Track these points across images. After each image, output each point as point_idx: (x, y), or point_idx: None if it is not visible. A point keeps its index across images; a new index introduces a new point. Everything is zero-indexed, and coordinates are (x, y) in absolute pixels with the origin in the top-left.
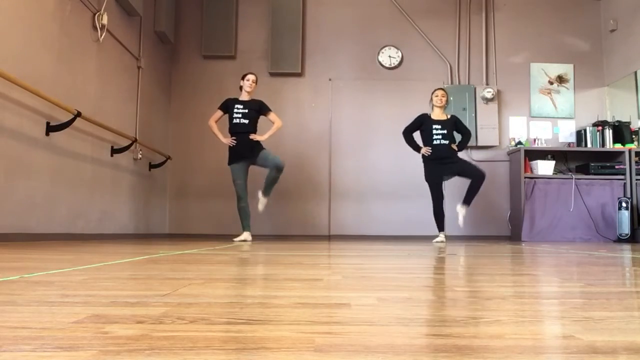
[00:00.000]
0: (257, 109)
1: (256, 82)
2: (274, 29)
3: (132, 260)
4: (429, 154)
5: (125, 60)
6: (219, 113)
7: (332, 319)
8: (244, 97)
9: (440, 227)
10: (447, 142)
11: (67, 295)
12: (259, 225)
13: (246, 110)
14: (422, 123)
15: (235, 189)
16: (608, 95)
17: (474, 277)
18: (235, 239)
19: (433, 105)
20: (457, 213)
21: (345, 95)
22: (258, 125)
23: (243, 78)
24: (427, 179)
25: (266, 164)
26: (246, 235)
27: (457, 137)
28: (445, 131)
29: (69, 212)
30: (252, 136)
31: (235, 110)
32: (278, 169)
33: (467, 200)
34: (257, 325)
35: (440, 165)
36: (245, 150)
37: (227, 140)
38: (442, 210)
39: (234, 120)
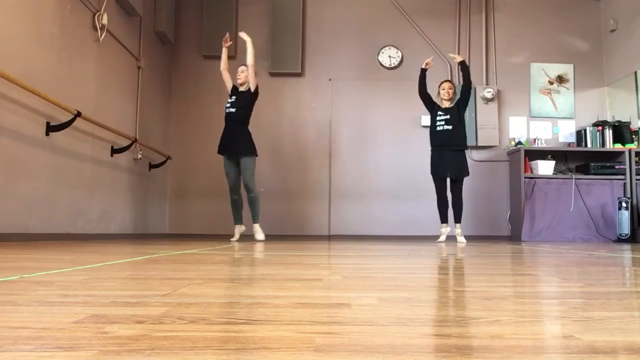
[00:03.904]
0: (248, 96)
1: (248, 71)
2: (274, 29)
3: (132, 260)
4: (428, 66)
5: (125, 60)
6: (227, 75)
7: (332, 319)
8: (241, 88)
9: (444, 218)
10: (450, 127)
11: (67, 295)
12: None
13: (234, 99)
14: (433, 106)
15: (227, 182)
16: (608, 95)
17: (474, 277)
18: (231, 239)
19: (441, 99)
20: (456, 236)
21: (345, 95)
22: (253, 121)
23: None
24: (431, 173)
25: (243, 172)
26: (236, 231)
27: (466, 136)
28: (448, 116)
29: (69, 212)
30: (240, 34)
31: (229, 99)
32: (247, 188)
33: (458, 219)
34: (257, 325)
35: (443, 155)
36: (228, 141)
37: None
38: (447, 202)
39: (226, 110)
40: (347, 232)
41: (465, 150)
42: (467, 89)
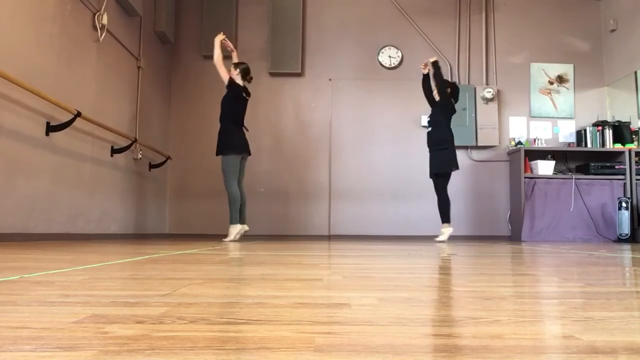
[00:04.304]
0: (225, 93)
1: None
2: (274, 29)
3: (132, 260)
4: (425, 69)
5: (125, 60)
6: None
7: (332, 319)
8: None
9: (444, 218)
10: (429, 128)
11: (67, 295)
12: (259, 225)
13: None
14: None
15: (235, 186)
16: (608, 95)
17: (474, 277)
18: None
19: None
20: (440, 233)
21: (345, 95)
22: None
23: None
24: (429, 175)
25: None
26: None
27: (444, 135)
28: (429, 118)
29: (69, 212)
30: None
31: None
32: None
33: (445, 219)
34: (257, 325)
35: (430, 156)
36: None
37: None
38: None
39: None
40: (347, 232)
41: (450, 148)
42: (438, 90)
